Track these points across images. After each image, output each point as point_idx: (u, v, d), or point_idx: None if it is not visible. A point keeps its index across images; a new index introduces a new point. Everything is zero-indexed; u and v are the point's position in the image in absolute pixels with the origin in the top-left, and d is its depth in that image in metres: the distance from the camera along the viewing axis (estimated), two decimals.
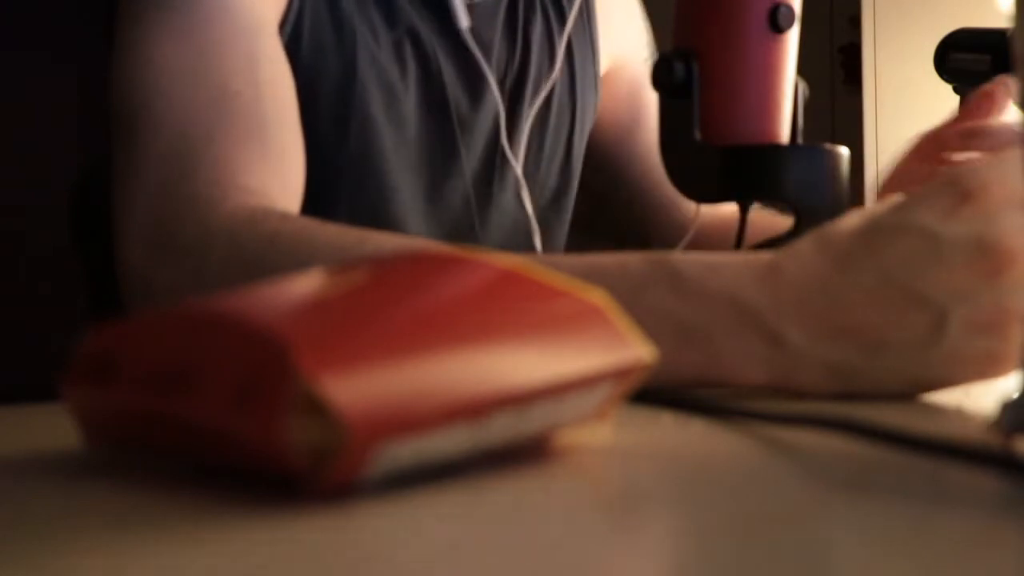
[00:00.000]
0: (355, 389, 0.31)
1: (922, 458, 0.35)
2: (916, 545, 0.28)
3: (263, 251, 0.64)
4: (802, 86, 0.80)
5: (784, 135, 0.77)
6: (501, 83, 0.96)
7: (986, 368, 0.49)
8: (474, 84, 0.94)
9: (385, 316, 0.34)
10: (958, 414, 0.48)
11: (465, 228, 0.95)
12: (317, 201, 0.78)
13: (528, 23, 0.99)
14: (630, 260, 0.54)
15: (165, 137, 0.72)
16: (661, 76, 0.76)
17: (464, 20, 0.91)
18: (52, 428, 0.44)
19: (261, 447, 0.32)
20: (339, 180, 0.88)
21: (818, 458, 0.38)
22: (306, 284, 0.37)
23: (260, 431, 0.31)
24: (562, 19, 1.01)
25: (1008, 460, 0.33)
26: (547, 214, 1.02)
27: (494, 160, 0.96)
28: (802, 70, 0.80)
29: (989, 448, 0.35)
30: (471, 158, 0.95)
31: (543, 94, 0.98)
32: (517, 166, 0.96)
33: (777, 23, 0.74)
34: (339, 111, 0.87)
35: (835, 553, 0.29)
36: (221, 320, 0.34)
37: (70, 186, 1.23)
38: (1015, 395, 0.37)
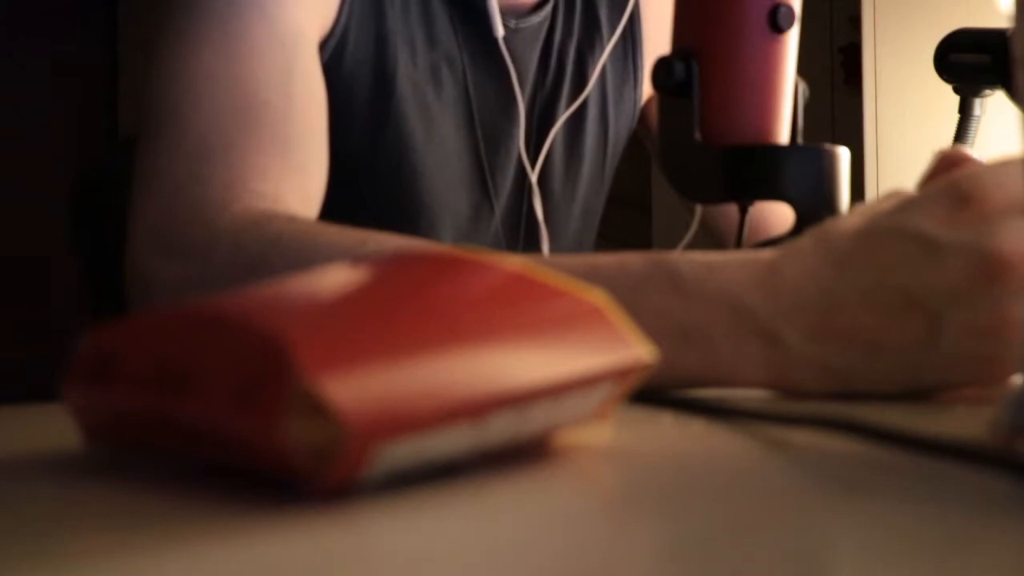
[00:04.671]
0: (355, 389, 0.31)
1: (922, 458, 0.35)
2: (916, 545, 0.28)
3: (265, 252, 0.64)
4: (802, 86, 0.80)
5: (784, 135, 0.77)
6: (532, 102, 0.98)
7: (982, 372, 0.49)
8: (506, 101, 0.95)
9: (385, 316, 0.34)
10: (958, 414, 0.48)
11: (499, 247, 0.97)
12: (342, 213, 0.79)
13: (564, 47, 1.00)
14: (629, 260, 0.54)
15: (187, 140, 0.72)
16: (661, 76, 0.76)
17: (499, 29, 0.92)
18: (52, 428, 0.44)
19: (261, 447, 0.32)
20: (366, 194, 0.89)
21: (818, 458, 0.38)
22: (306, 284, 0.37)
23: (260, 431, 0.31)
24: (594, 45, 1.02)
25: (1008, 460, 0.33)
26: (579, 227, 1.04)
27: (524, 176, 0.99)
28: (802, 70, 0.79)
29: (989, 448, 0.35)
30: (503, 176, 0.97)
31: (565, 115, 1.00)
32: (532, 174, 0.97)
33: (777, 23, 0.74)
34: (374, 126, 0.88)
35: (835, 553, 0.29)
36: (221, 320, 0.34)
37: (70, 186, 1.23)
38: (1015, 395, 0.37)
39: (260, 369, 0.32)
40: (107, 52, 3.46)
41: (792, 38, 0.76)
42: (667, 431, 0.44)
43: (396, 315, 0.35)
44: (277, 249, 0.64)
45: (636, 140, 1.13)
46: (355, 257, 0.60)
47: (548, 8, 0.99)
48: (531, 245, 1.00)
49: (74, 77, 3.40)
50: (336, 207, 0.78)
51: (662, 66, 0.76)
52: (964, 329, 0.48)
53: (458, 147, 0.94)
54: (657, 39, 1.06)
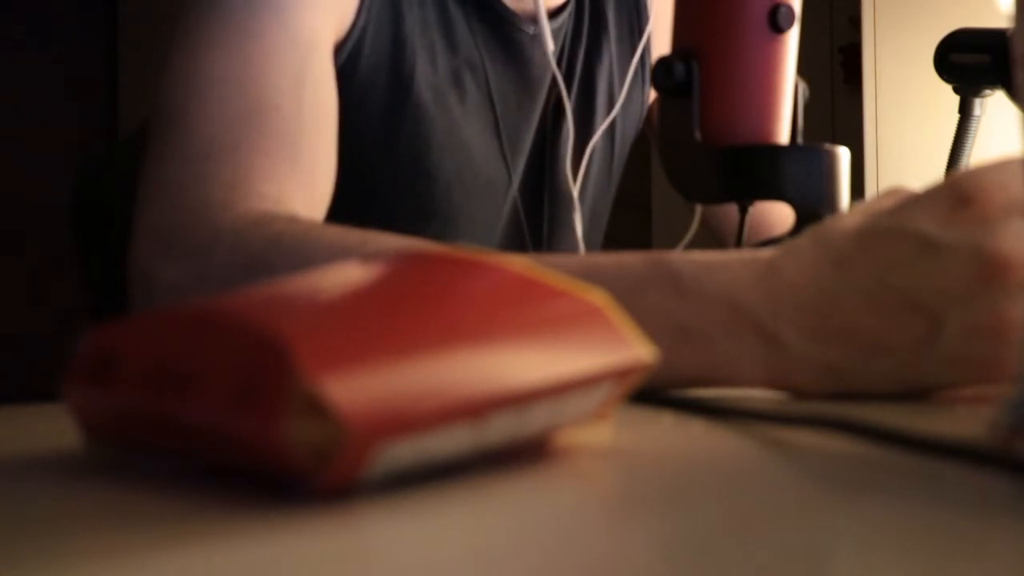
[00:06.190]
0: (355, 389, 0.31)
1: (922, 458, 0.35)
2: (916, 545, 0.28)
3: (266, 252, 0.64)
4: (802, 86, 0.80)
5: (784, 135, 0.77)
6: (544, 108, 0.98)
7: (982, 372, 0.49)
8: (529, 108, 0.95)
9: (385, 316, 0.34)
10: (958, 414, 0.48)
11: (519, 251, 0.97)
12: (351, 215, 0.78)
13: (573, 50, 1.00)
14: (628, 260, 0.54)
15: (195, 140, 0.72)
16: (661, 76, 0.76)
17: (550, 44, 0.92)
18: (52, 428, 0.44)
19: (261, 447, 0.32)
20: (377, 196, 0.88)
21: (818, 458, 0.38)
22: (306, 284, 0.37)
23: (260, 431, 0.31)
24: (601, 46, 1.02)
25: (1008, 460, 0.33)
26: (587, 229, 1.05)
27: (543, 184, 0.98)
28: (802, 70, 0.80)
29: (989, 448, 0.35)
30: (519, 181, 0.97)
31: (602, 128, 1.00)
32: (574, 188, 0.97)
33: (777, 23, 0.74)
34: (388, 128, 0.88)
35: (835, 553, 0.29)
36: (221, 320, 0.34)
37: (70, 186, 1.23)
38: (1015, 396, 0.37)
39: (260, 369, 0.32)
40: (107, 52, 3.46)
41: (792, 38, 0.76)
42: (667, 431, 0.44)
43: (396, 315, 0.35)
44: (278, 249, 0.64)
45: (636, 140, 1.13)
46: (356, 257, 0.60)
47: (566, 13, 0.98)
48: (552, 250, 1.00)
49: (74, 77, 3.40)
50: (346, 209, 0.78)
51: (662, 66, 0.76)
52: (963, 329, 0.48)
53: (484, 154, 0.93)
54: (663, 39, 1.06)
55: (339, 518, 0.31)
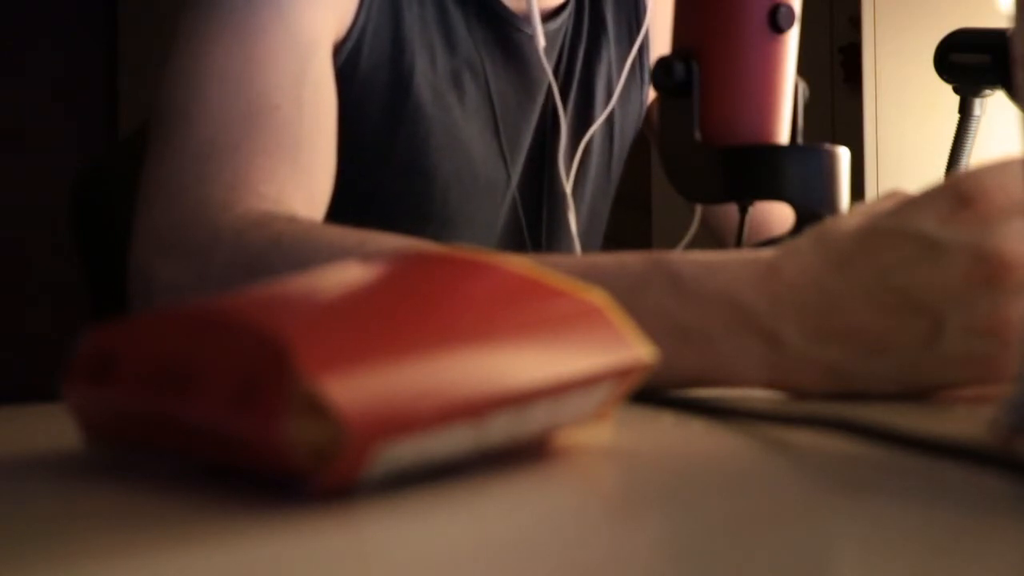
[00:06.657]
0: (355, 389, 0.31)
1: (922, 458, 0.35)
2: (916, 545, 0.28)
3: (266, 252, 0.64)
4: (802, 86, 0.80)
5: (784, 135, 0.77)
6: (544, 108, 0.98)
7: (982, 372, 0.49)
8: (529, 109, 0.95)
9: (385, 316, 0.34)
10: (958, 414, 0.48)
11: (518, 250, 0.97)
12: (350, 216, 0.79)
13: (573, 50, 1.00)
14: (629, 260, 0.54)
15: (195, 140, 0.72)
16: (661, 76, 0.76)
17: (541, 40, 0.91)
18: (52, 428, 0.44)
19: (261, 447, 0.32)
20: (375, 196, 0.89)
21: (818, 458, 0.38)
22: (306, 284, 0.37)
23: (260, 431, 0.31)
24: (600, 46, 1.02)
25: (1008, 460, 0.33)
26: (586, 228, 1.05)
27: (541, 184, 0.98)
28: (802, 70, 0.79)
29: (989, 448, 0.35)
30: (522, 181, 0.97)
31: (596, 125, 1.00)
32: (567, 184, 0.97)
33: (777, 23, 0.74)
34: (387, 129, 0.88)
35: (835, 553, 0.29)
36: (221, 320, 0.34)
37: (70, 186, 1.23)
38: (1015, 396, 0.37)
39: (260, 369, 0.32)
40: (107, 52, 3.46)
41: (792, 38, 0.76)
42: (667, 431, 0.44)
43: (396, 315, 0.35)
44: (278, 249, 0.64)
45: (636, 140, 1.13)
46: (356, 257, 0.60)
47: (566, 14, 0.98)
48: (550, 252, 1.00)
49: (74, 77, 3.40)
50: (345, 209, 0.77)
51: (662, 66, 0.76)
52: (964, 329, 0.48)
53: (483, 154, 0.93)
54: (663, 38, 1.06)
55: (339, 518, 0.31)
